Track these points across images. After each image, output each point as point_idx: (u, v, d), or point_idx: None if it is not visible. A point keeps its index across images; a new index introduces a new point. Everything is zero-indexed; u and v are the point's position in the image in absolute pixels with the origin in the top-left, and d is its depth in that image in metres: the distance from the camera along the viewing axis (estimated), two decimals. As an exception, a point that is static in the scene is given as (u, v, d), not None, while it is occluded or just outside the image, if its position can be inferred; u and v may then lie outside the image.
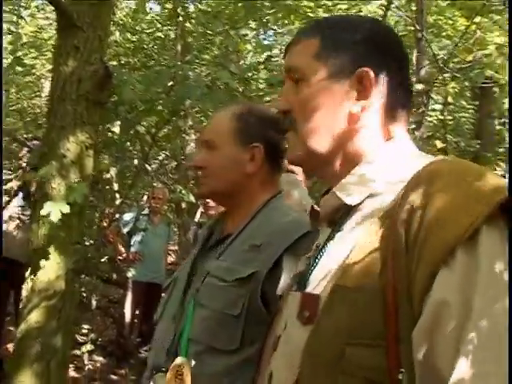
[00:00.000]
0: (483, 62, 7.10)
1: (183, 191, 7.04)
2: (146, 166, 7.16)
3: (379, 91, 1.25)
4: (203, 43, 8.85)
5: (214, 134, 2.02)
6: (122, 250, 7.59)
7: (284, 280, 1.57)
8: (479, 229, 0.94)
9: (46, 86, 11.79)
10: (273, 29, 10.16)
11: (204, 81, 4.30)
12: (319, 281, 1.16)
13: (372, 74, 1.24)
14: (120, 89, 4.10)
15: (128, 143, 5.17)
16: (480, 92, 10.28)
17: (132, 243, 7.64)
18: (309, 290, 1.18)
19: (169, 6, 9.13)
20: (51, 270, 3.67)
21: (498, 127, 11.20)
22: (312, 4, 9.07)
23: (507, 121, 11.36)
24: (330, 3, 9.75)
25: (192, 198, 7.44)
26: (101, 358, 7.55)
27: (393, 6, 8.93)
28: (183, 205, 8.58)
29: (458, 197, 0.98)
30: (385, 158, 1.24)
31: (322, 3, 9.31)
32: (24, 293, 3.71)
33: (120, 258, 7.46)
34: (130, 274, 7.13)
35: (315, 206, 1.36)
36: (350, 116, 1.24)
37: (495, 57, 7.01)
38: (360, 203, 1.19)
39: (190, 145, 8.62)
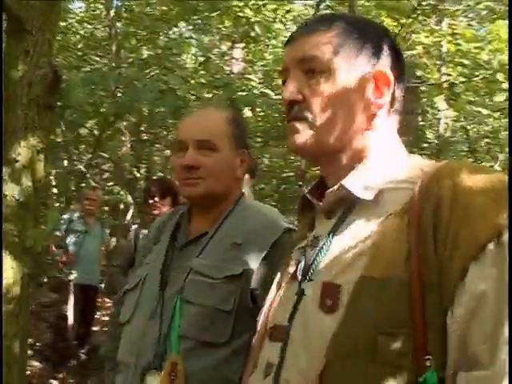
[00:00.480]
0: (413, 62, 7.41)
1: (121, 192, 7.04)
2: (81, 167, 7.14)
3: (391, 93, 1.33)
4: (136, 44, 8.83)
5: (212, 135, 2.00)
6: (55, 251, 7.52)
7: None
8: (504, 229, 1.06)
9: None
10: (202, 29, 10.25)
11: (157, 85, 4.32)
12: (333, 270, 1.21)
13: (389, 75, 1.32)
14: (68, 92, 4.08)
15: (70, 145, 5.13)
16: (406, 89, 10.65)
17: (67, 245, 7.57)
18: (322, 279, 1.22)
19: (98, 5, 9.10)
20: (7, 274, 3.64)
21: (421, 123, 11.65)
22: (241, 4, 9.16)
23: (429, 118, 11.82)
24: (259, 2, 9.89)
25: (130, 199, 7.44)
26: (38, 363, 7.44)
27: (322, 6, 9.15)
28: (121, 206, 8.56)
29: (486, 198, 1.09)
30: (391, 156, 1.32)
31: (250, 3, 9.42)
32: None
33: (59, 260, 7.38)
34: (71, 277, 7.06)
35: (309, 196, 1.40)
36: (366, 113, 1.31)
37: (424, 57, 7.35)
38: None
39: (125, 147, 8.59)
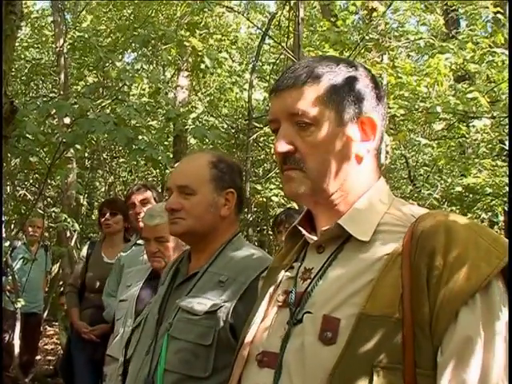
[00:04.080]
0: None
1: (68, 219, 7.01)
2: (27, 194, 7.12)
3: (377, 136, 1.44)
4: (83, 72, 8.83)
5: (190, 180, 2.19)
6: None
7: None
8: (493, 280, 1.20)
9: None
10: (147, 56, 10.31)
11: (110, 116, 4.38)
12: (330, 304, 1.30)
13: (374, 119, 1.43)
14: (23, 122, 4.11)
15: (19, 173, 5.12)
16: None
17: (10, 273, 7.46)
18: (323, 312, 1.29)
19: (45, 31, 9.09)
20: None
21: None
22: (187, 33, 9.26)
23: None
24: (204, 32, 10.02)
25: (77, 227, 7.41)
26: (-20, 393, 7.28)
27: (267, 36, 9.31)
28: (67, 233, 8.50)
29: (479, 250, 1.22)
30: (380, 196, 1.43)
31: (197, 33, 9.53)
32: None
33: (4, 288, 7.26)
34: (19, 305, 6.96)
35: (301, 228, 1.48)
36: (356, 157, 1.41)
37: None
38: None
39: (72, 175, 8.56)
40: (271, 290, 1.50)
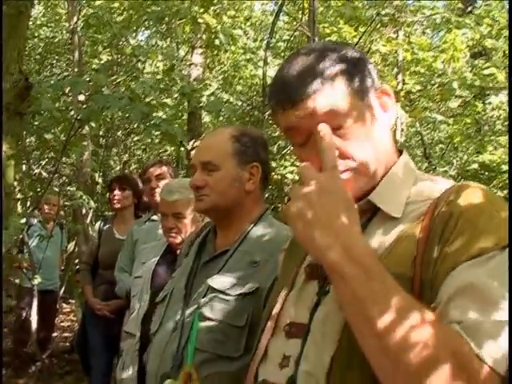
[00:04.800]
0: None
1: (84, 197, 7.02)
2: (42, 172, 7.14)
3: (393, 108, 1.44)
4: (97, 49, 8.82)
5: (213, 155, 2.16)
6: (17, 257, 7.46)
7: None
8: (496, 252, 1.18)
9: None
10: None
11: (124, 92, 4.38)
12: None
13: (386, 88, 1.44)
14: (39, 99, 4.11)
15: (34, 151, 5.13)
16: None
17: (29, 250, 7.52)
18: None
19: (59, 9, 9.07)
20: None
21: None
22: (201, 10, 9.20)
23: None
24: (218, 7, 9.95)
25: (92, 204, 7.43)
26: (-2, 370, 7.36)
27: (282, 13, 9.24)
28: (83, 211, 8.54)
29: (489, 219, 1.22)
30: (406, 170, 1.44)
31: (211, 9, 9.47)
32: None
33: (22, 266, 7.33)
34: (35, 282, 7.03)
35: None
36: (382, 135, 1.41)
37: (381, 65, 7.53)
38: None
39: (87, 152, 8.56)
40: (297, 262, 1.50)
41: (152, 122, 4.36)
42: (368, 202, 1.38)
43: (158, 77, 8.17)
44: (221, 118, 8.25)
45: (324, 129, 1.32)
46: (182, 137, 4.25)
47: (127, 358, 3.76)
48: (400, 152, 1.50)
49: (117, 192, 5.08)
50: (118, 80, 6.03)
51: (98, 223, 5.54)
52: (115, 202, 5.12)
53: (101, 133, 11.60)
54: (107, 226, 5.29)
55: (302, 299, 1.41)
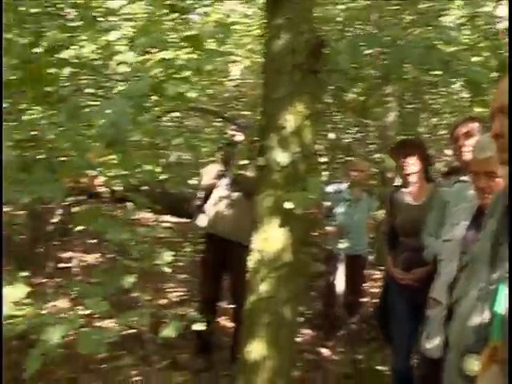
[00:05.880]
0: None
1: (386, 160, 6.89)
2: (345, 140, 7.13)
3: None
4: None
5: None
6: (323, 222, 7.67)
7: None
8: None
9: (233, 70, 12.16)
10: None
11: (421, 40, 4.10)
12: None
13: None
14: (335, 57, 4.01)
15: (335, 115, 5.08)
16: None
17: (334, 215, 7.65)
18: None
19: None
20: (277, 241, 3.69)
21: None
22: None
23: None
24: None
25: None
26: (309, 331, 7.62)
27: None
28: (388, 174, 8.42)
29: None
30: None
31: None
32: (251, 264, 3.76)
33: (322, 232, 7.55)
34: (342, 246, 7.20)
35: None
36: None
37: None
38: None
39: (392, 113, 8.32)
40: None
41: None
42: None
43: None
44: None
45: None
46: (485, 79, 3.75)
47: (433, 327, 3.64)
48: None
49: (403, 158, 5.01)
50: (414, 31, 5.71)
51: (388, 193, 5.50)
52: (403, 168, 5.05)
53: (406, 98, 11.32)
54: (397, 192, 5.23)
55: None
